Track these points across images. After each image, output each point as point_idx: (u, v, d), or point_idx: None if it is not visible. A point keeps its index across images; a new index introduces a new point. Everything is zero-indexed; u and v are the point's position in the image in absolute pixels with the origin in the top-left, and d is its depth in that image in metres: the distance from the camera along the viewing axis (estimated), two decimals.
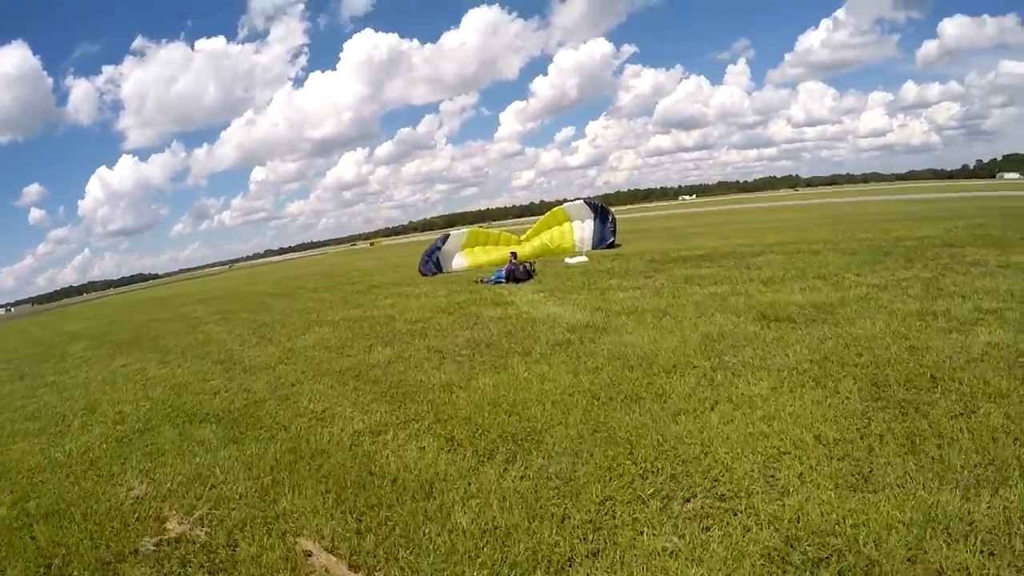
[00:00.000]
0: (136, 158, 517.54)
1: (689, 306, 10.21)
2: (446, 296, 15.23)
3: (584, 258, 19.87)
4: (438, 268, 21.81)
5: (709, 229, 31.16)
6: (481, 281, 17.06)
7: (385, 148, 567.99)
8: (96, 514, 5.07)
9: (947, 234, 16.66)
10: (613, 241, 23.14)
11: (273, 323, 15.35)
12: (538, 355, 8.14)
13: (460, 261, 22.18)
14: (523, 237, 23.84)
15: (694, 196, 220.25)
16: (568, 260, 19.83)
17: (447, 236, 22.68)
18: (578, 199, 24.59)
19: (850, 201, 61.15)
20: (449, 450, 5.28)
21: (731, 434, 4.81)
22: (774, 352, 7.01)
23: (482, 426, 5.71)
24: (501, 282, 16.32)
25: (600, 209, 23.66)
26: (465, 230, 23.90)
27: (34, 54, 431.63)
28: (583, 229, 23.30)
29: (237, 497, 4.93)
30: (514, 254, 18.20)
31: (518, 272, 16.33)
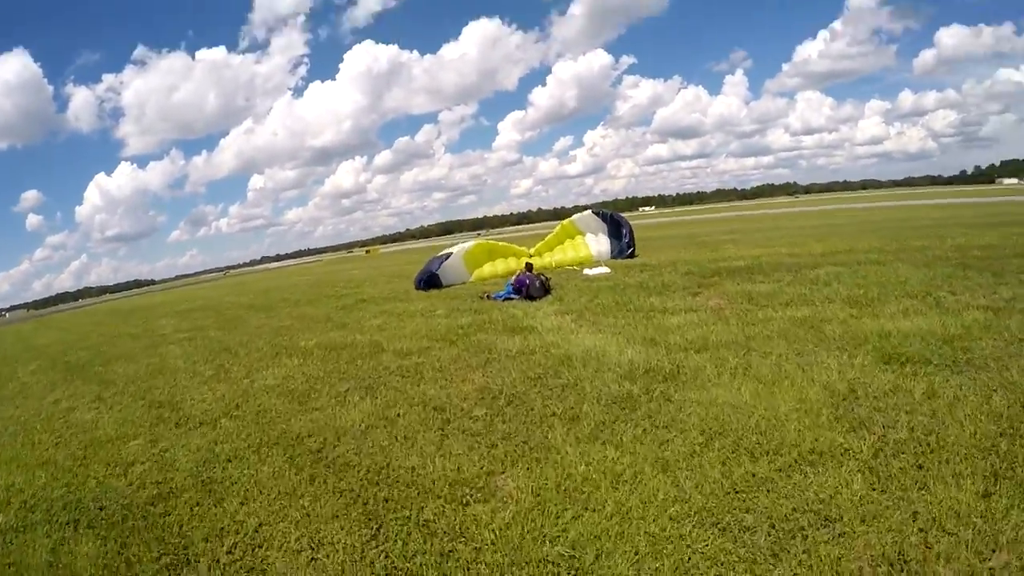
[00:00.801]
0: (135, 165, 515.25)
1: (775, 338, 7.73)
2: (446, 316, 12.63)
3: (605, 269, 17.28)
4: (435, 284, 18.70)
5: (736, 236, 28.60)
6: (487, 297, 14.45)
7: (384, 157, 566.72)
8: None
9: (1009, 241, 15.16)
10: (632, 251, 20.57)
11: (239, 347, 12.70)
12: (593, 424, 5.51)
13: (461, 273, 19.33)
14: (533, 251, 21.24)
15: (652, 207, 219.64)
16: (588, 271, 17.27)
17: (449, 255, 19.81)
18: (587, 211, 22.06)
19: (874, 207, 58.62)
20: None
21: None
22: (946, 423, 4.63)
23: None
24: (512, 298, 13.72)
25: (611, 219, 21.20)
26: (469, 243, 21.14)
27: (35, 61, 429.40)
28: (598, 242, 20.89)
29: None
30: (529, 264, 15.47)
31: (532, 287, 13.69)
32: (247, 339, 13.81)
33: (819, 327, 7.96)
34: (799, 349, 7.07)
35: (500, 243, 21.58)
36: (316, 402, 7.47)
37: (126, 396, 9.76)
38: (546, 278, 14.33)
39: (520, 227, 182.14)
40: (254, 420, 7.14)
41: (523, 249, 20.97)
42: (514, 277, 14.30)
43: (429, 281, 18.35)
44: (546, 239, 21.74)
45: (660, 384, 6.37)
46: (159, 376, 11.01)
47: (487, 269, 19.43)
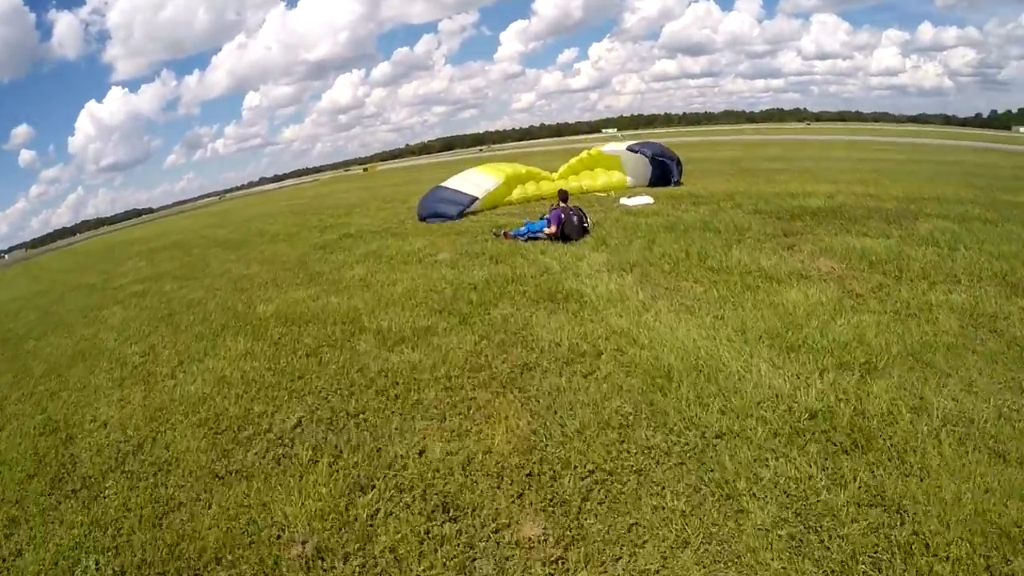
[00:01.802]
0: (126, 90, 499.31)
1: (961, 350, 5.12)
2: (452, 266, 9.57)
3: (647, 198, 14.08)
4: (442, 214, 15.05)
5: (782, 165, 24.84)
6: (503, 234, 11.33)
7: (382, 69, 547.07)
8: None
9: None
10: (678, 180, 17.11)
11: (185, 312, 9.79)
12: None
13: (470, 194, 15.45)
14: (556, 176, 17.82)
15: (615, 130, 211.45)
16: (625, 201, 14.09)
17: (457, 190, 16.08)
18: (622, 144, 18.49)
19: (907, 142, 53.40)
20: None
21: None
22: None
23: None
24: (539, 237, 10.64)
25: (655, 161, 17.36)
26: (479, 168, 17.42)
27: None
28: (635, 164, 17.50)
29: None
30: (564, 193, 11.75)
31: (568, 223, 10.52)
32: (200, 297, 10.86)
33: (1000, 329, 5.36)
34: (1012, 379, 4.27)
35: (519, 166, 17.69)
36: (245, 455, 4.53)
37: (28, 404, 7.05)
38: (584, 213, 11.09)
39: (521, 143, 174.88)
40: (149, 491, 4.31)
41: (544, 172, 17.60)
42: (549, 211, 11.09)
43: (434, 201, 15.31)
44: (569, 163, 18.31)
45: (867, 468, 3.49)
46: (78, 364, 8.21)
47: (502, 191, 16.06)
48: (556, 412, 4.43)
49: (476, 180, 15.92)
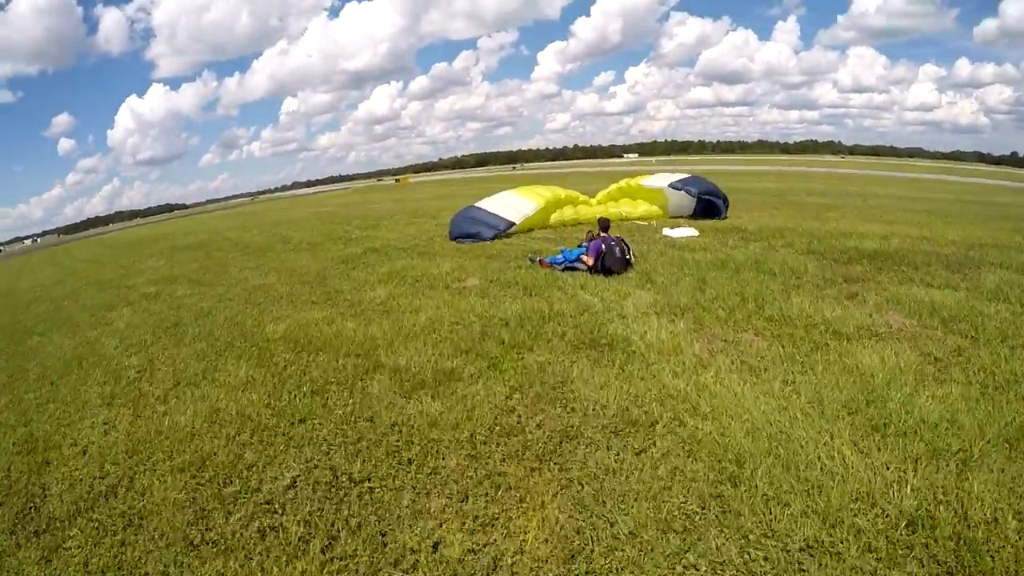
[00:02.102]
0: (167, 87, 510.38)
1: None
2: (483, 295, 8.77)
3: (692, 231, 13.32)
4: (474, 235, 14.19)
5: (828, 200, 23.88)
6: (539, 261, 10.55)
7: (419, 83, 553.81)
8: None
9: None
10: (725, 215, 16.13)
11: (192, 323, 9.24)
12: None
13: (507, 218, 14.54)
14: (595, 200, 16.99)
15: (636, 155, 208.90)
16: (668, 232, 13.34)
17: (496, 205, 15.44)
18: (664, 180, 16.75)
19: (950, 180, 51.42)
20: None
21: None
22: None
23: None
24: (577, 268, 9.86)
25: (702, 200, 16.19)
26: (517, 191, 16.40)
27: None
28: (677, 195, 16.29)
29: None
30: (605, 222, 10.86)
31: (610, 255, 9.64)
32: (210, 307, 10.31)
33: None
34: None
35: (558, 190, 16.50)
36: (226, 520, 3.77)
37: (13, 413, 6.55)
38: (626, 244, 10.16)
39: (555, 163, 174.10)
40: (114, 551, 3.70)
41: (583, 196, 16.71)
42: (587, 240, 10.29)
43: (465, 236, 14.34)
44: (608, 189, 17.54)
45: None
46: (73, 372, 7.71)
47: (540, 215, 15.18)
48: (604, 503, 3.60)
49: (513, 203, 15.12)
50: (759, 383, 5.18)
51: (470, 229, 14.21)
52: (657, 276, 9.16)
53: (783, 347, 6.09)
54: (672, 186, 16.00)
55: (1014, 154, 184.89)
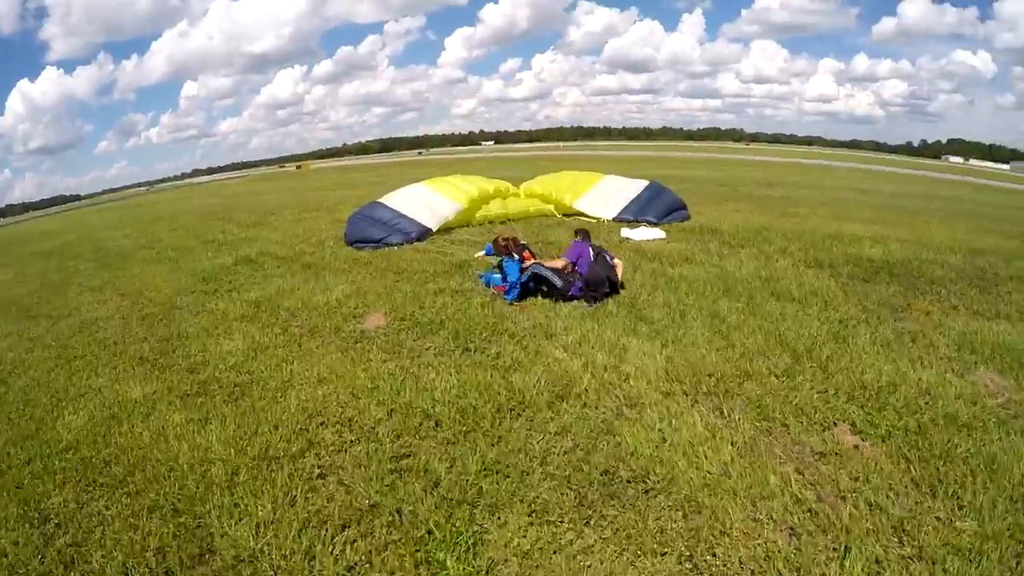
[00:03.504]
0: (60, 70, 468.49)
1: None
2: (389, 352, 5.60)
3: (658, 232, 10.70)
4: (377, 240, 10.76)
5: (784, 192, 21.56)
6: (491, 288, 7.35)
7: (324, 67, 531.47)
8: None
9: None
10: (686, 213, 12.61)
11: None
12: None
13: (421, 223, 11.13)
14: (523, 191, 13.73)
15: (493, 142, 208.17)
16: (629, 233, 10.61)
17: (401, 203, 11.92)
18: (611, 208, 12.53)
19: (867, 169, 50.38)
20: None
21: None
22: None
23: None
24: (512, 300, 6.78)
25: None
26: (433, 185, 12.84)
27: None
28: (626, 188, 12.95)
29: None
30: (584, 231, 7.73)
31: (595, 275, 6.69)
32: (14, 361, 6.82)
33: None
34: None
35: (483, 182, 13.08)
36: None
37: None
38: (609, 256, 7.10)
39: (460, 148, 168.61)
40: None
41: (513, 188, 13.53)
42: (570, 248, 7.18)
43: (366, 241, 10.90)
44: (538, 181, 14.13)
45: None
46: None
47: (459, 218, 11.91)
48: None
49: (429, 202, 11.74)
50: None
51: (373, 234, 10.79)
52: (649, 309, 6.28)
53: (910, 464, 3.51)
54: (619, 220, 11.84)
55: (908, 143, 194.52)
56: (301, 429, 4.20)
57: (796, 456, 3.68)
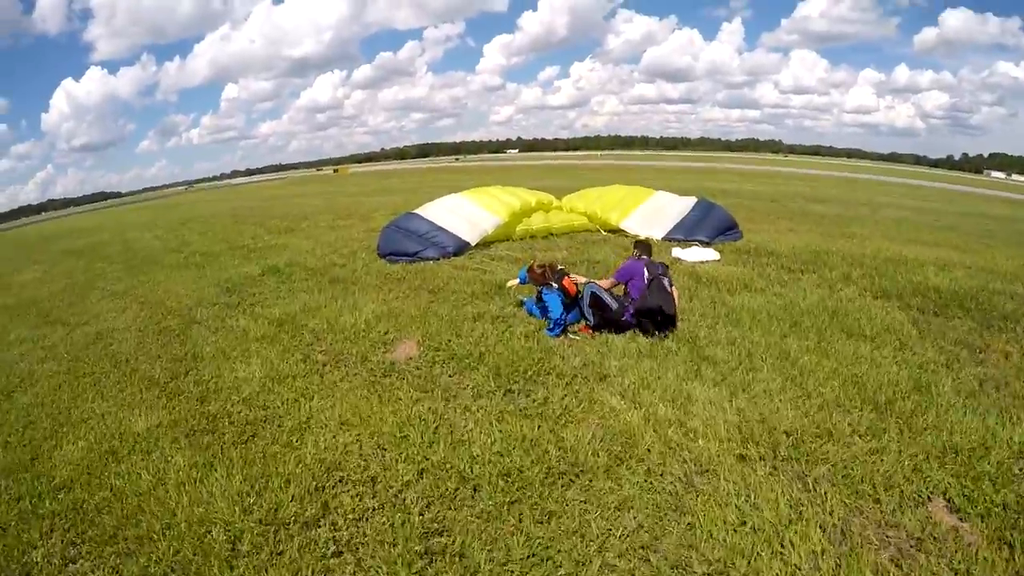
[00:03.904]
0: (105, 70, 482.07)
1: None
2: (421, 391, 4.96)
3: (711, 252, 9.88)
4: (412, 254, 10.13)
5: (837, 209, 20.21)
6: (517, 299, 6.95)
7: (363, 72, 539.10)
8: None
9: None
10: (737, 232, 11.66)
11: None
12: None
13: (460, 237, 10.49)
14: (566, 205, 12.87)
15: (517, 150, 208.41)
16: (680, 253, 9.87)
17: (440, 217, 11.16)
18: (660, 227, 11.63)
19: (912, 184, 47.98)
20: None
21: None
22: None
23: None
24: (572, 329, 6.10)
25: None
26: (472, 196, 12.14)
27: None
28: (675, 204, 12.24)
29: None
30: (645, 244, 7.10)
31: (656, 295, 5.91)
32: (25, 372, 6.48)
33: None
34: None
35: (525, 194, 12.32)
36: None
37: None
38: (666, 275, 6.31)
39: (498, 155, 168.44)
40: None
41: (556, 201, 12.78)
42: (623, 266, 6.54)
43: (400, 254, 10.26)
44: (581, 195, 13.58)
45: None
46: None
47: (498, 232, 11.21)
48: None
49: (468, 214, 11.07)
50: None
51: (407, 247, 10.19)
52: (714, 348, 5.55)
53: (1013, 552, 2.97)
54: (668, 239, 11.00)
55: (950, 157, 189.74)
56: (317, 487, 3.60)
57: (892, 542, 3.03)
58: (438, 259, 9.84)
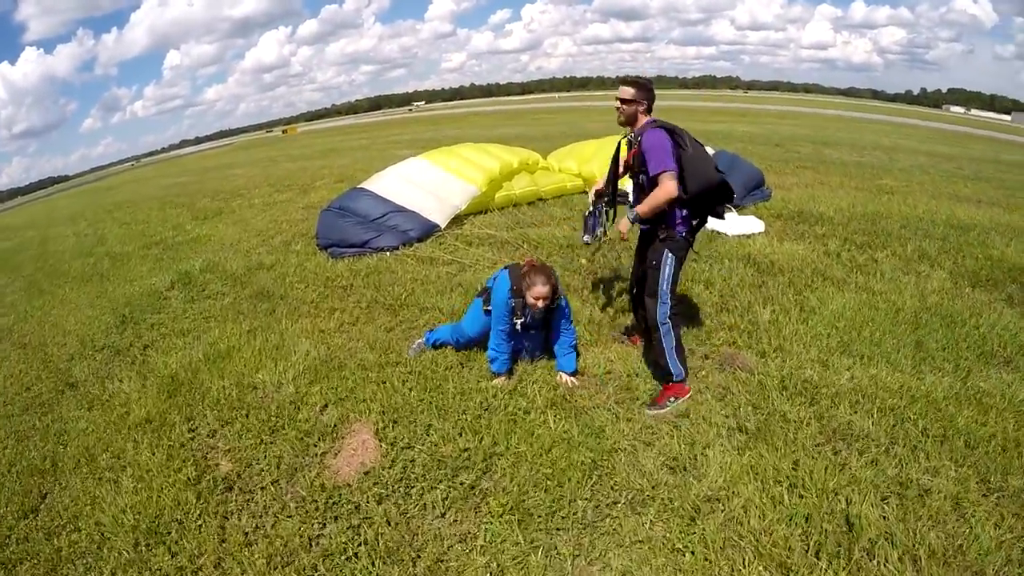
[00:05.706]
0: (40, 50, 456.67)
1: None
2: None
3: (757, 223, 7.67)
4: (362, 245, 7.64)
5: (852, 155, 18.08)
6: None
7: (308, 27, 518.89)
8: None
9: None
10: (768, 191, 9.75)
11: None
12: None
13: (426, 218, 8.00)
14: (557, 163, 10.68)
15: (424, 102, 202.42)
16: (717, 224, 7.20)
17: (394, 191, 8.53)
18: None
19: (897, 122, 45.23)
20: None
21: None
22: None
23: None
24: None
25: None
26: (438, 159, 9.34)
27: None
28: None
29: None
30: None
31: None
32: None
33: None
34: None
35: (503, 153, 9.78)
36: None
37: None
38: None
39: (452, 103, 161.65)
40: None
41: (543, 160, 10.41)
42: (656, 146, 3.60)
43: (345, 246, 7.78)
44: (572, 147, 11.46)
45: None
46: None
47: (475, 203, 8.78)
48: None
49: (434, 186, 8.49)
50: None
51: (354, 236, 7.67)
52: (843, 408, 3.52)
53: None
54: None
55: (908, 92, 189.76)
56: None
57: None
58: (396, 248, 7.51)
